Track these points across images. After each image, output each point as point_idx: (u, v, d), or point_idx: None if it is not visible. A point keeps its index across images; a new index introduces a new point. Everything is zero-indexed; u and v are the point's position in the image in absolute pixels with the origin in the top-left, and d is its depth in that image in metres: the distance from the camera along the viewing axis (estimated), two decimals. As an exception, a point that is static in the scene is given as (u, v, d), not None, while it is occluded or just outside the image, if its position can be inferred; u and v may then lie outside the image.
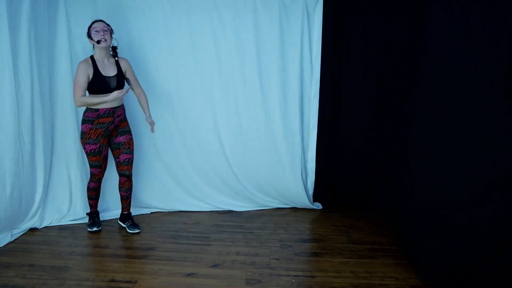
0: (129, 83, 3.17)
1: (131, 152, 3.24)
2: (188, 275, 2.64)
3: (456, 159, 2.30)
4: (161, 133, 3.56)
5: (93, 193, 3.28)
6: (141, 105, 3.25)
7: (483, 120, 2.11)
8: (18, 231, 3.14)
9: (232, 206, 3.82)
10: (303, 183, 3.81)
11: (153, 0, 3.42)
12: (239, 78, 3.60)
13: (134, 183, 3.37)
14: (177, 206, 3.77)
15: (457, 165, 2.29)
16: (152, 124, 3.23)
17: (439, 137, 2.46)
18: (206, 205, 3.80)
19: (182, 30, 3.48)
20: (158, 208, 3.75)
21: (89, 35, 2.98)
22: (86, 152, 3.13)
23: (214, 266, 2.76)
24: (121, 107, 3.16)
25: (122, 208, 3.37)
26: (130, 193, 3.34)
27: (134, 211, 3.49)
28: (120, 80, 3.07)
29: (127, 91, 2.99)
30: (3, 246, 2.95)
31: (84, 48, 3.27)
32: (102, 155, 3.14)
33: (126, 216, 3.36)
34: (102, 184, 3.31)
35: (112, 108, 3.05)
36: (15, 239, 3.07)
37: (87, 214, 3.38)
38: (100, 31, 2.94)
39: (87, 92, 3.00)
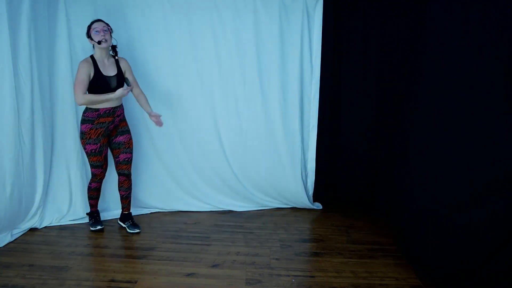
0: (128, 83, 3.17)
1: (131, 152, 3.24)
2: (188, 275, 2.64)
3: (456, 159, 2.30)
4: (161, 133, 3.56)
5: (95, 193, 3.28)
6: (140, 104, 3.24)
7: (483, 120, 2.11)
8: (18, 231, 3.14)
9: (232, 206, 3.82)
10: (303, 183, 3.81)
11: (153, 0, 3.41)
12: (239, 78, 3.59)
13: (134, 183, 3.37)
14: (177, 206, 3.77)
15: (457, 165, 2.29)
16: (157, 116, 3.19)
17: (439, 137, 2.46)
18: (206, 205, 3.80)
19: (182, 30, 3.48)
20: (158, 208, 3.75)
21: (89, 35, 2.98)
22: (86, 153, 3.13)
23: (214, 266, 2.76)
24: (121, 107, 3.16)
25: (122, 208, 3.37)
26: (130, 193, 3.34)
27: (134, 211, 3.49)
28: (120, 80, 3.07)
29: (131, 89, 2.99)
30: (3, 246, 2.95)
31: (84, 48, 3.26)
32: (103, 155, 3.14)
33: (126, 216, 3.36)
34: (102, 184, 3.31)
35: (112, 107, 3.05)
36: (15, 239, 3.07)
37: (87, 214, 3.38)
38: (101, 31, 2.94)
39: (87, 92, 2.99)
